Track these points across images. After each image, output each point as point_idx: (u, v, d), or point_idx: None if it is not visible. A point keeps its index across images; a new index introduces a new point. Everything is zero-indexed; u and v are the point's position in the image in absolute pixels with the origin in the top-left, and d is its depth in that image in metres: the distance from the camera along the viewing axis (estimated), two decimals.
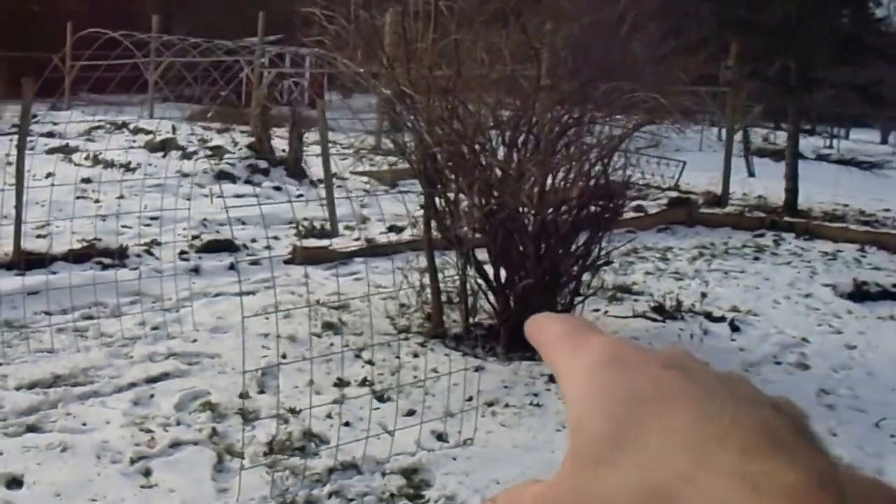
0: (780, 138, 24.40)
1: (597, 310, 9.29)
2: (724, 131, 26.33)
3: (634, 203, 15.33)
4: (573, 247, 8.09)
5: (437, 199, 8.02)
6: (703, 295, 10.38)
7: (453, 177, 7.93)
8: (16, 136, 16.68)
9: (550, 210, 7.87)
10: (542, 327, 0.64)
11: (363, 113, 9.71)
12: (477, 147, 7.87)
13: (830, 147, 33.27)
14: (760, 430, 0.50)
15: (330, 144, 13.36)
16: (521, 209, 7.76)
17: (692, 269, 12.08)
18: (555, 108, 7.89)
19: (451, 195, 7.96)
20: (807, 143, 24.60)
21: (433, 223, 8.13)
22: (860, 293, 11.08)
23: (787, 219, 15.80)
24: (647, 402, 0.53)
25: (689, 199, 16.39)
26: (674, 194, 16.93)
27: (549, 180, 8.05)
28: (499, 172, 7.81)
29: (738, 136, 23.27)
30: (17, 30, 38.77)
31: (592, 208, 8.20)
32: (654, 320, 9.27)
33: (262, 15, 24.06)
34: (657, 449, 0.50)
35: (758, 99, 22.96)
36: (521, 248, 7.86)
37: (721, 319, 9.48)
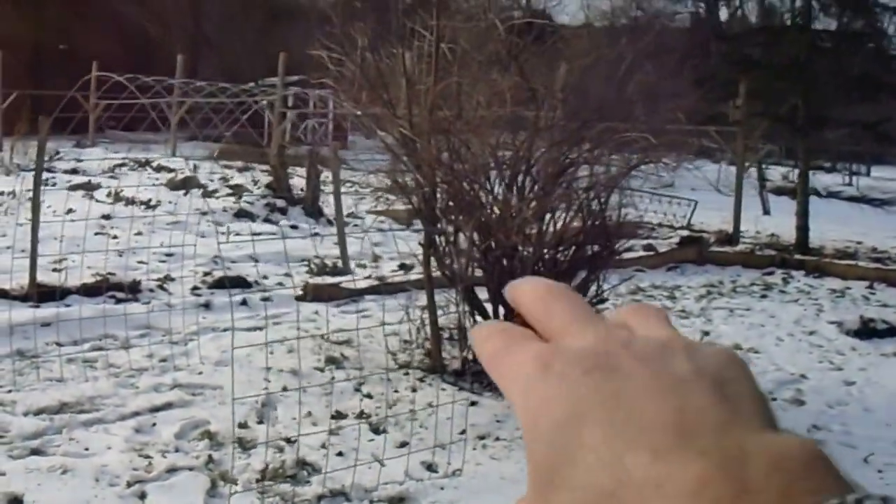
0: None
1: None
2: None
3: (644, 242, 15.52)
4: (570, 285, 8.25)
5: (437, 238, 8.23)
6: (706, 333, 10.53)
7: (452, 216, 8.14)
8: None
9: (547, 249, 8.07)
10: (479, 346, 0.65)
11: (381, 153, 9.93)
12: (476, 186, 8.08)
13: (850, 184, 33.22)
14: (671, 424, 0.52)
15: (349, 184, 13.64)
16: (518, 247, 7.94)
17: (698, 307, 12.19)
18: (552, 148, 8.08)
19: (451, 233, 8.16)
20: (826, 180, 24.71)
21: (433, 261, 8.32)
22: (867, 330, 11.10)
23: (797, 256, 15.85)
24: (569, 422, 0.54)
25: (699, 237, 16.53)
26: (685, 233, 17.07)
27: (548, 218, 8.25)
28: (497, 211, 8.00)
29: (755, 174, 23.44)
30: (41, 67, 39.18)
31: (590, 247, 8.38)
32: None
33: (283, 56, 24.31)
34: (584, 469, 0.52)
35: (769, 138, 23.06)
36: None
37: None
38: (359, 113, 8.45)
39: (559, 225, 8.32)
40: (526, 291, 0.65)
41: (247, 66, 38.55)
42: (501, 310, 8.20)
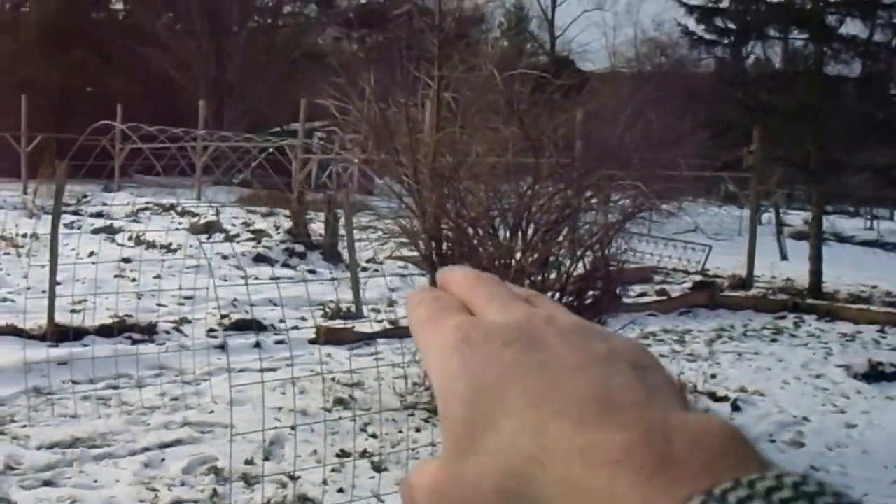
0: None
1: None
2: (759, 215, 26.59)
3: (658, 286, 15.70)
4: None
5: None
6: (713, 376, 10.66)
7: (455, 261, 8.35)
8: (63, 216, 17.35)
9: (550, 293, 8.27)
10: (410, 312, 0.67)
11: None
12: (480, 232, 8.31)
13: (871, 228, 33.23)
14: (595, 397, 0.53)
15: (370, 230, 13.82)
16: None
17: (707, 351, 12.32)
18: (553, 196, 8.29)
19: None
20: (848, 225, 24.75)
21: None
22: (874, 373, 11.17)
23: (809, 301, 15.95)
24: (490, 389, 0.55)
25: (712, 282, 16.66)
26: (698, 278, 17.22)
27: (551, 261, 8.46)
28: (498, 257, 8.22)
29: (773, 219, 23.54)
30: (67, 110, 39.64)
31: (592, 293, 8.57)
32: None
33: (305, 102, 24.65)
34: (506, 434, 0.53)
35: (786, 183, 23.17)
36: None
37: (724, 399, 9.72)
38: (356, 160, 8.68)
39: (562, 270, 8.53)
40: (455, 275, 0.68)
41: (270, 111, 38.97)
42: None
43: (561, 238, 8.50)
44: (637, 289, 15.47)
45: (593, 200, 8.67)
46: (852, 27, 20.55)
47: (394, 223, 9.02)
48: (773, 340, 13.40)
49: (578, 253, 8.52)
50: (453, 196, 8.15)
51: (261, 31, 54.50)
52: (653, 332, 13.14)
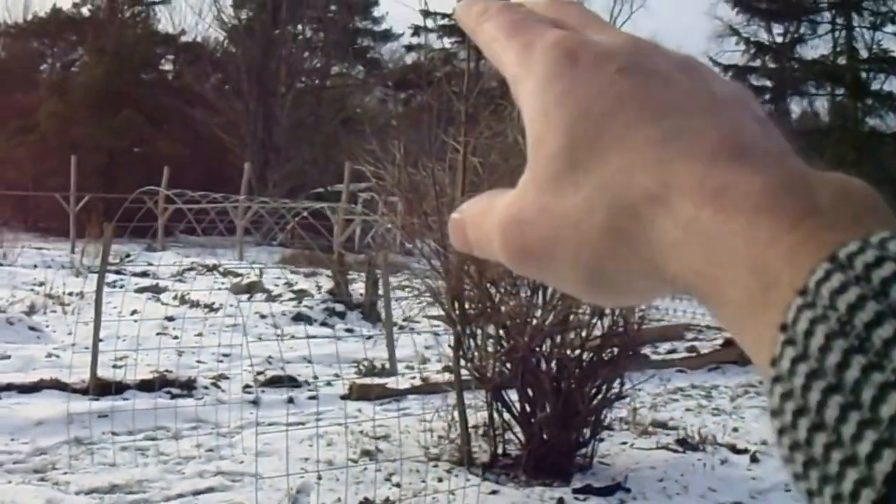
0: None
1: (624, 443, 9.90)
2: None
3: (688, 343, 15.95)
4: (590, 384, 8.76)
5: (466, 340, 8.80)
6: (735, 429, 10.87)
7: (478, 320, 8.71)
8: (107, 274, 17.82)
9: (570, 350, 8.61)
10: (472, 22, 0.62)
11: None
12: (502, 292, 8.67)
13: None
14: (727, 139, 0.49)
15: (410, 292, 14.19)
16: (537, 349, 8.49)
17: (732, 405, 12.52)
18: None
19: (478, 336, 8.75)
20: None
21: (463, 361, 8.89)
22: None
23: None
24: (603, 117, 0.51)
25: None
26: (729, 335, 17.39)
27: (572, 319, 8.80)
28: (518, 316, 8.56)
29: None
30: (115, 170, 40.35)
31: (611, 350, 8.87)
32: (675, 451, 9.77)
33: (349, 165, 25.12)
34: (619, 167, 0.50)
35: None
36: (539, 385, 8.58)
37: (744, 451, 9.88)
38: (389, 225, 9.05)
39: (582, 327, 8.85)
40: (493, 15, 0.62)
41: (315, 173, 39.46)
42: (527, 406, 8.74)
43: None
44: (667, 346, 15.73)
45: None
46: (887, 84, 20.84)
47: (422, 284, 9.38)
48: None
49: (596, 310, 8.83)
50: (475, 258, 8.49)
51: (308, 93, 55.14)
52: (680, 387, 13.37)
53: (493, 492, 8.08)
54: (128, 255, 26.71)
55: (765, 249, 0.45)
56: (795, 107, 46.64)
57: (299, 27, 55.93)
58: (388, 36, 61.38)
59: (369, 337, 14.63)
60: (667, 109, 0.51)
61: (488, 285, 8.61)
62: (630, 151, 0.50)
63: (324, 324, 17.10)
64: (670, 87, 0.53)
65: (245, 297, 18.05)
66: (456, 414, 9.15)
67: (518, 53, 0.57)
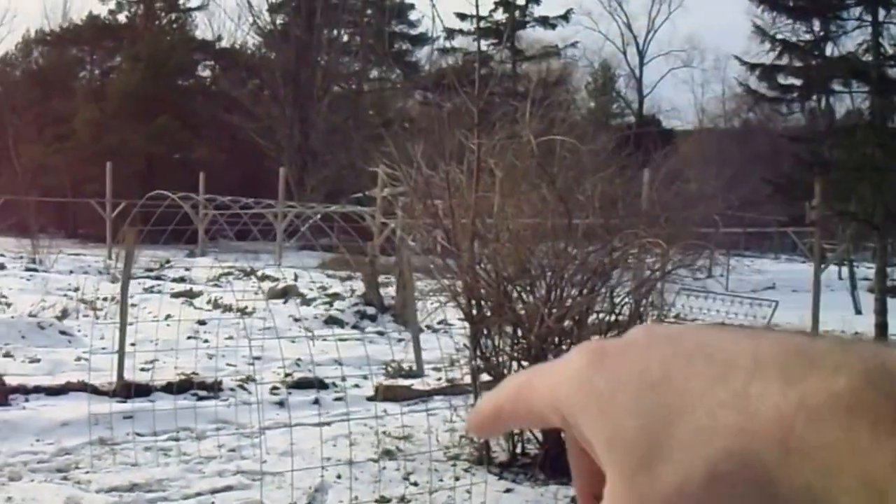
0: None
1: None
2: (842, 270, 26.53)
3: None
4: None
5: (482, 338, 8.89)
6: None
7: (494, 317, 8.79)
8: (145, 280, 18.12)
9: None
10: (492, 404, 0.62)
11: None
12: (518, 289, 8.74)
13: None
14: (785, 352, 0.48)
15: (429, 293, 14.26)
16: (552, 347, 8.55)
17: None
18: (588, 256, 8.70)
19: (494, 333, 8.83)
20: None
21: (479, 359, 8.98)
22: None
23: None
24: (658, 384, 0.51)
25: None
26: None
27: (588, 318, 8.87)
28: (532, 313, 8.63)
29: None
30: (152, 176, 40.64)
31: None
32: None
33: (383, 168, 25.21)
34: (698, 418, 0.49)
35: (856, 237, 23.16)
36: None
37: None
38: (398, 226, 9.13)
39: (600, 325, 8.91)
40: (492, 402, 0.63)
41: (352, 177, 39.59)
42: None
43: (596, 296, 8.86)
44: None
45: (629, 258, 9.04)
46: None
47: (439, 284, 9.48)
48: None
49: (615, 310, 8.90)
50: (490, 256, 8.60)
51: (345, 97, 55.33)
52: None
53: (508, 490, 8.17)
54: (168, 261, 26.96)
55: (869, 458, 0.44)
56: (823, 105, 46.52)
57: (335, 32, 56.15)
58: (424, 39, 61.61)
59: (400, 340, 14.74)
60: (709, 355, 0.50)
61: (504, 283, 8.69)
62: (703, 398, 0.49)
63: (355, 326, 17.25)
64: (708, 334, 0.52)
65: (280, 301, 18.23)
66: None
67: (546, 382, 0.58)
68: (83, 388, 10.58)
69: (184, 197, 32.17)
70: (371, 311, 18.39)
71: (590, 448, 0.55)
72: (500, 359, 8.78)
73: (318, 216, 31.94)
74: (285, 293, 19.98)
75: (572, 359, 0.55)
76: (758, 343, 0.50)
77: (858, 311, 22.58)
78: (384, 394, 11.64)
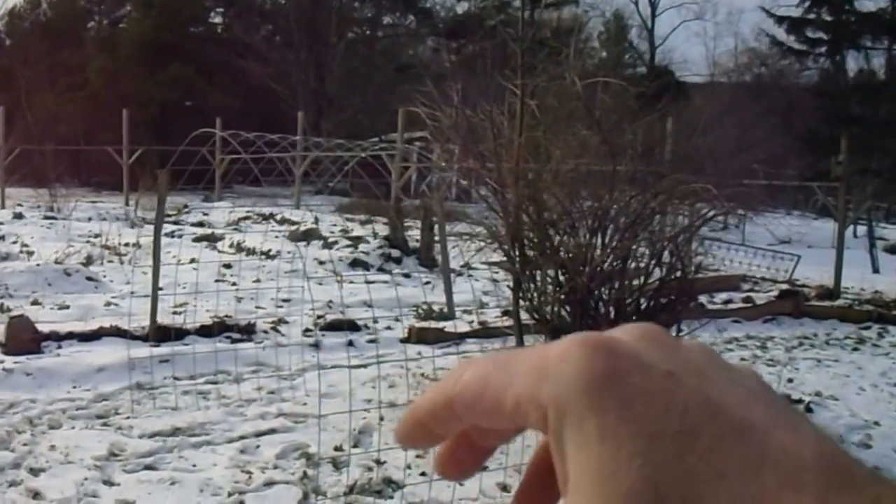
0: None
1: None
2: (857, 228, 26.40)
3: (744, 294, 15.89)
4: None
5: (525, 283, 8.81)
6: (790, 380, 10.83)
7: (538, 261, 8.72)
8: (165, 225, 18.04)
9: (628, 294, 8.59)
10: (454, 382, 0.51)
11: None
12: (561, 232, 8.66)
13: None
14: (827, 468, 0.43)
15: (466, 237, 14.23)
16: (595, 291, 8.48)
17: (787, 357, 12.47)
18: (630, 199, 8.61)
19: (537, 278, 8.75)
20: None
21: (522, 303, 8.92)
22: None
23: (895, 312, 16.01)
24: (673, 440, 0.44)
25: (798, 291, 16.72)
26: (785, 287, 17.33)
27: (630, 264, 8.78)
28: (577, 257, 8.55)
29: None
30: (167, 124, 40.59)
31: (667, 296, 8.83)
32: None
33: (403, 112, 25.05)
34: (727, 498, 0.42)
35: (882, 196, 23.03)
36: (597, 329, 8.57)
37: (798, 402, 9.82)
38: (443, 165, 9.06)
39: (640, 273, 8.82)
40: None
41: (369, 121, 39.47)
42: None
43: (638, 241, 8.77)
44: (724, 296, 15.69)
45: (669, 206, 8.95)
46: None
47: (481, 227, 9.40)
48: (855, 349, 13.45)
49: (655, 254, 8.81)
50: (534, 198, 8.51)
51: (360, 43, 55.12)
52: (736, 337, 13.36)
53: None
54: (185, 206, 26.91)
55: None
56: (852, 62, 46.17)
57: None
58: None
59: (427, 282, 14.70)
60: (738, 423, 0.44)
61: (547, 226, 8.61)
62: (722, 484, 0.43)
63: (380, 269, 17.23)
64: (717, 385, 0.47)
65: (302, 244, 18.19)
66: None
67: (531, 383, 0.48)
68: (117, 332, 10.56)
69: (205, 134, 32.12)
70: (396, 253, 18.36)
71: (560, 464, 0.47)
72: (543, 304, 8.70)
73: (346, 161, 31.89)
74: (307, 236, 19.93)
75: (570, 353, 0.47)
76: (789, 440, 0.44)
77: (876, 270, 22.47)
78: (417, 336, 11.66)
